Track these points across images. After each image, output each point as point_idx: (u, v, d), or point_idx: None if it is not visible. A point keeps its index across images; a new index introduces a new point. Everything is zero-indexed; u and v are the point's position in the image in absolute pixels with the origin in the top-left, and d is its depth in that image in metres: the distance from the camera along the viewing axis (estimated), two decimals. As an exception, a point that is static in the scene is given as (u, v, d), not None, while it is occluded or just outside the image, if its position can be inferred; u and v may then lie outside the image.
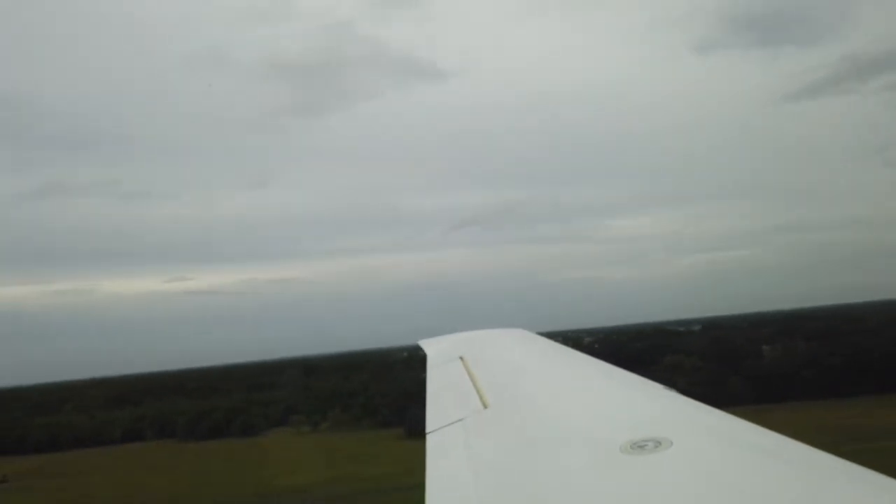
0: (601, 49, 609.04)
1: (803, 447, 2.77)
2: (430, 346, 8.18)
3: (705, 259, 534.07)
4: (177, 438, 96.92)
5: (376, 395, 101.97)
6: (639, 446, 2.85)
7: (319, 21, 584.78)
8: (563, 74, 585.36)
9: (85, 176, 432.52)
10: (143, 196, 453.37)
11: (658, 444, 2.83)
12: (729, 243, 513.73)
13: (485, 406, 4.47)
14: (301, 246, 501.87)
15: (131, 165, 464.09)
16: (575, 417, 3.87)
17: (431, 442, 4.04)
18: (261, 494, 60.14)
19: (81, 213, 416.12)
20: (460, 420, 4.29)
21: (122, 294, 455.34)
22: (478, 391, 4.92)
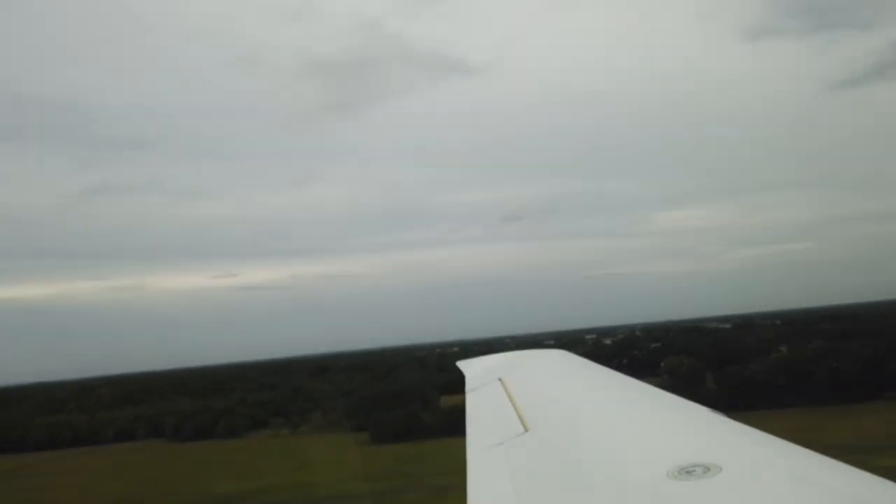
0: (644, 39, 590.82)
1: (861, 473, 2.70)
2: (469, 368, 8.03)
3: (758, 252, 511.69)
4: (165, 439, 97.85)
5: (358, 397, 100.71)
6: (686, 472, 2.81)
7: (349, 20, 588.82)
8: (603, 66, 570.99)
9: (136, 176, 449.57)
10: (191, 195, 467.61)
11: (707, 469, 2.80)
12: (783, 236, 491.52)
13: (525, 429, 4.37)
14: (346, 242, 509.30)
15: (178, 165, 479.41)
16: (619, 441, 3.77)
17: (472, 465, 4.01)
18: (186, 502, 59.66)
19: (132, 211, 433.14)
20: (501, 444, 4.19)
21: (171, 290, 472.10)
22: (518, 414, 4.84)
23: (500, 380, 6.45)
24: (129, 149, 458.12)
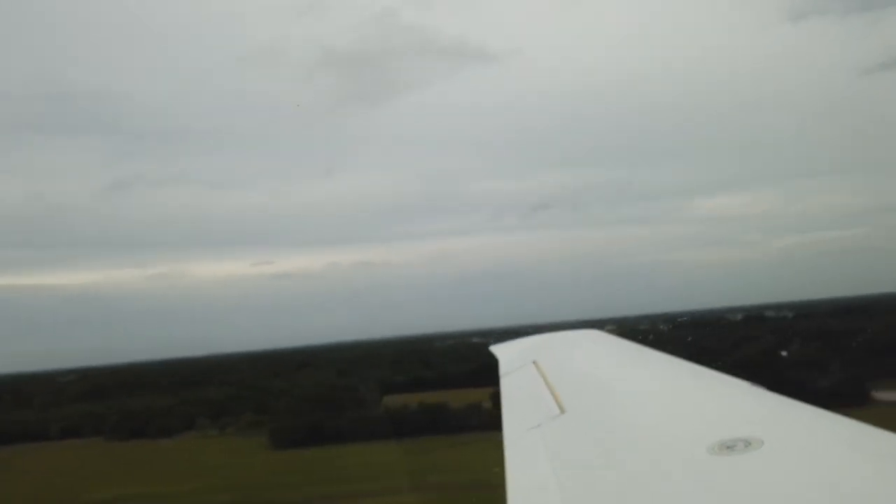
0: (683, 20, 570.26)
1: None
2: (502, 351, 8.02)
3: (803, 240, 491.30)
4: (104, 437, 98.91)
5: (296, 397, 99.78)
6: (728, 447, 2.79)
7: (363, 12, 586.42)
8: (639, 50, 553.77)
9: (172, 166, 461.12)
10: (225, 185, 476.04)
11: (748, 444, 2.78)
12: (829, 223, 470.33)
13: (562, 411, 4.37)
14: (379, 230, 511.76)
15: (212, 156, 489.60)
16: (658, 419, 3.79)
17: (510, 448, 4.00)
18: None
19: (170, 201, 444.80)
20: (538, 426, 4.21)
21: (209, 277, 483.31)
22: (554, 396, 4.86)
23: (534, 362, 6.40)
24: (164, 140, 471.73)
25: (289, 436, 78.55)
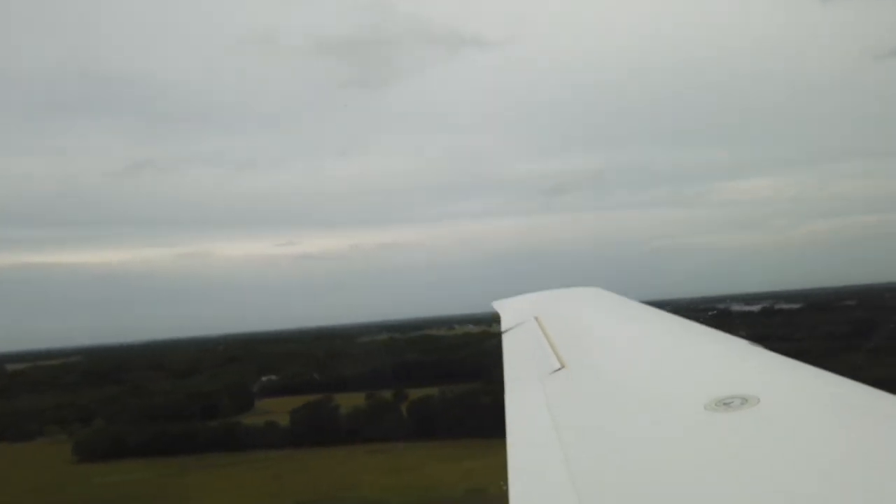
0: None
1: None
2: (505, 307, 8.24)
3: (833, 224, 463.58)
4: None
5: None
6: (724, 403, 2.83)
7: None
8: (669, 28, 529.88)
9: (197, 147, 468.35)
10: (249, 166, 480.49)
11: (744, 401, 2.82)
12: (862, 207, 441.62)
13: (562, 365, 4.42)
14: (402, 212, 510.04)
15: (237, 137, 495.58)
16: (656, 375, 3.86)
17: (510, 401, 4.02)
18: None
19: (196, 181, 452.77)
20: (538, 380, 4.25)
21: (234, 257, 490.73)
22: (554, 351, 4.88)
23: (535, 318, 6.47)
24: (188, 121, 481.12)
25: (91, 447, 75.08)
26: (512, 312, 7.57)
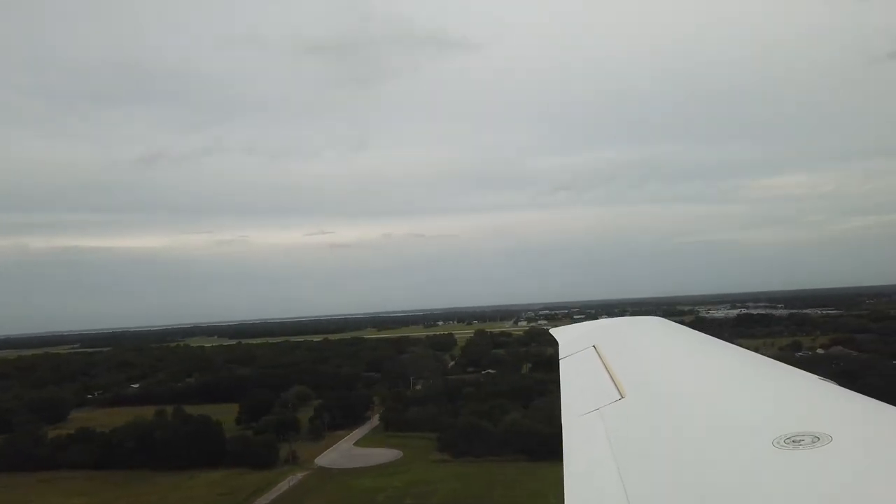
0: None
1: None
2: (562, 334, 8.32)
3: (871, 222, 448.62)
4: None
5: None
6: (794, 441, 2.75)
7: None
8: (703, 26, 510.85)
9: (235, 137, 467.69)
10: (286, 155, 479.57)
11: (816, 439, 2.74)
12: None
13: (621, 395, 4.35)
14: (434, 203, 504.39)
15: (267, 129, 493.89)
16: (721, 409, 3.69)
17: (568, 431, 3.93)
18: None
19: (234, 169, 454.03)
20: (597, 409, 4.17)
21: (269, 245, 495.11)
22: (613, 380, 4.82)
23: (594, 346, 6.46)
24: (225, 113, 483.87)
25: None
26: (569, 340, 7.58)
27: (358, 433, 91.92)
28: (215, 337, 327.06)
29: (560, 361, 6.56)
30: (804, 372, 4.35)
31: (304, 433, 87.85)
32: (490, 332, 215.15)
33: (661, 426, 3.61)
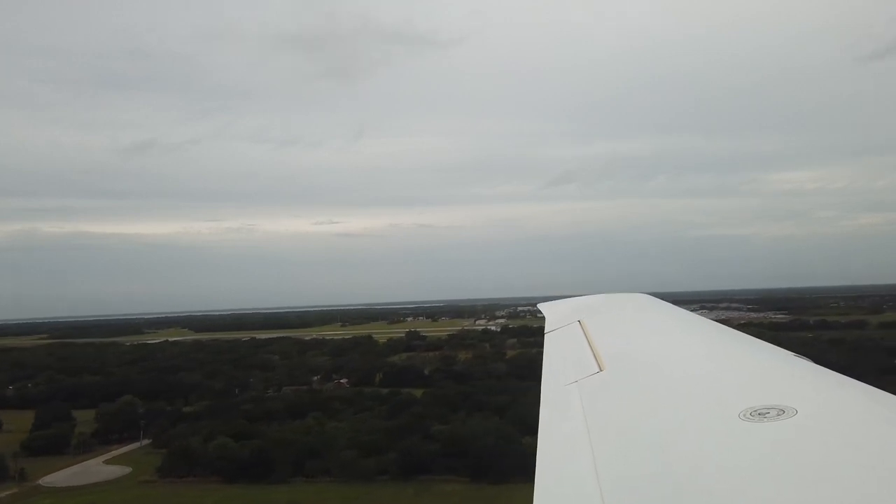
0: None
1: None
2: (550, 309, 8.59)
3: (883, 219, 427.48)
4: None
5: None
6: (759, 413, 2.85)
7: None
8: (724, 20, 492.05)
9: (243, 125, 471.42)
10: (293, 143, 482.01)
11: (781, 412, 2.83)
12: None
13: (600, 369, 4.49)
14: (437, 193, 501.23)
15: (273, 117, 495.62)
16: (693, 382, 3.80)
17: (545, 402, 4.09)
18: None
19: (242, 157, 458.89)
20: (575, 382, 4.30)
21: (276, 233, 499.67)
22: (594, 354, 5.00)
23: (579, 321, 6.59)
24: (233, 100, 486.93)
25: None
26: (556, 315, 7.80)
27: (127, 449, 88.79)
28: (186, 330, 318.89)
29: (545, 335, 6.70)
30: (779, 348, 4.44)
31: (73, 447, 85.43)
32: (421, 332, 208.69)
33: (635, 398, 3.72)
